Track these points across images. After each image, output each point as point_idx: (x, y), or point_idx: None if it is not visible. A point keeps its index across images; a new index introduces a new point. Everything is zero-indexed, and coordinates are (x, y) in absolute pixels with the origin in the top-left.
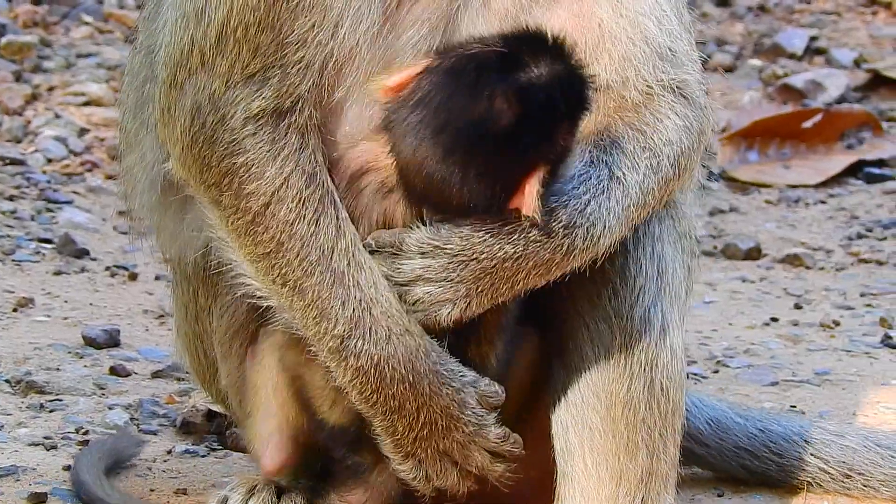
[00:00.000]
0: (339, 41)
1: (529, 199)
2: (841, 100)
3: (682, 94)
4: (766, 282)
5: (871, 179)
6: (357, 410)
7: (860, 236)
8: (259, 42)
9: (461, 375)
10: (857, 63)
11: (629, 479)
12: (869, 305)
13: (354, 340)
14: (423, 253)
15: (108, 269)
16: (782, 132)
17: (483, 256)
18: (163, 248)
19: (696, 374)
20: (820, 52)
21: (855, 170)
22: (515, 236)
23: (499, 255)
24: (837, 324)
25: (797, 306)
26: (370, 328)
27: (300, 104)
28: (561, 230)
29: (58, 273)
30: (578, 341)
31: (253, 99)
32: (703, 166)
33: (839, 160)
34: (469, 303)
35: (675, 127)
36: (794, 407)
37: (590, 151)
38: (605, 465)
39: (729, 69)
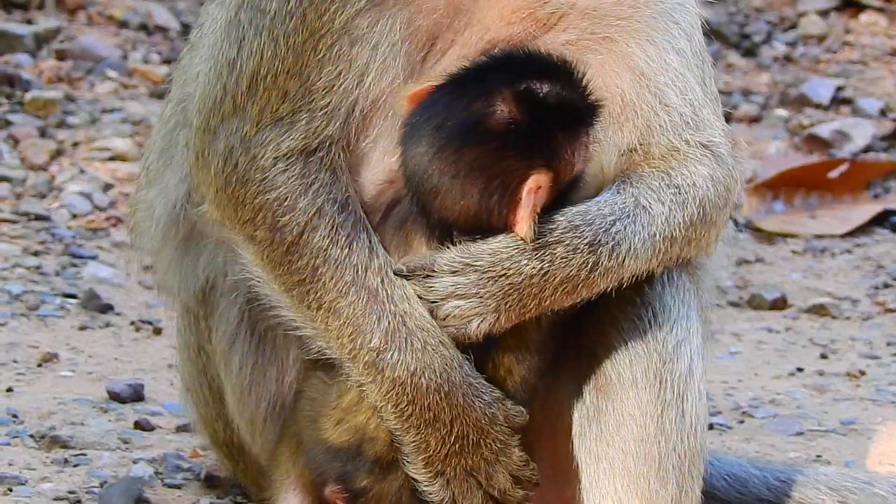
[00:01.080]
0: (365, 91)
1: (524, 211)
2: (867, 149)
3: (709, 150)
4: (792, 332)
5: None
6: (365, 431)
7: (886, 286)
8: (288, 88)
9: (490, 391)
10: (883, 112)
11: None
12: (895, 355)
13: (391, 352)
14: (454, 271)
15: (132, 323)
16: (808, 182)
17: (511, 272)
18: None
19: (721, 425)
20: (846, 101)
21: (881, 219)
22: (542, 252)
23: (526, 270)
24: (863, 373)
25: (823, 356)
26: (406, 339)
27: (328, 144)
28: (585, 247)
29: (82, 328)
30: (617, 363)
31: (282, 139)
32: (731, 219)
33: (865, 210)
34: (498, 317)
35: (702, 175)
36: (820, 457)
37: (616, 185)
38: (636, 490)
39: (755, 119)
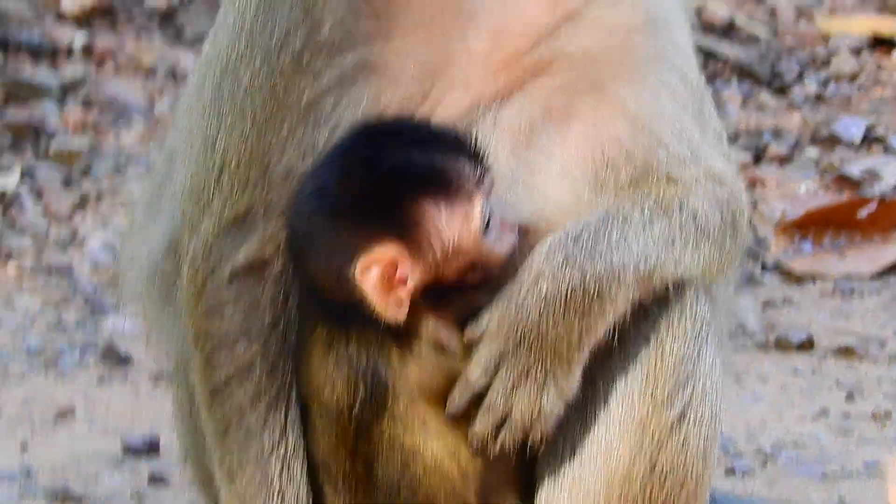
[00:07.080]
0: None
1: (375, 291)
2: None
3: (708, 175)
4: (818, 373)
5: None
6: None
7: None
8: (249, 176)
9: None
10: None
11: None
12: None
13: None
14: (491, 371)
15: (151, 376)
16: (837, 222)
17: (527, 329)
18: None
19: (744, 469)
20: (878, 140)
21: None
22: (531, 293)
23: (532, 316)
24: (889, 415)
25: (849, 397)
26: None
27: (283, 254)
28: (561, 265)
29: (101, 381)
30: (608, 395)
31: (240, 248)
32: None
33: (895, 250)
34: (556, 383)
35: (695, 193)
36: (843, 499)
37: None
38: None
39: (786, 159)
